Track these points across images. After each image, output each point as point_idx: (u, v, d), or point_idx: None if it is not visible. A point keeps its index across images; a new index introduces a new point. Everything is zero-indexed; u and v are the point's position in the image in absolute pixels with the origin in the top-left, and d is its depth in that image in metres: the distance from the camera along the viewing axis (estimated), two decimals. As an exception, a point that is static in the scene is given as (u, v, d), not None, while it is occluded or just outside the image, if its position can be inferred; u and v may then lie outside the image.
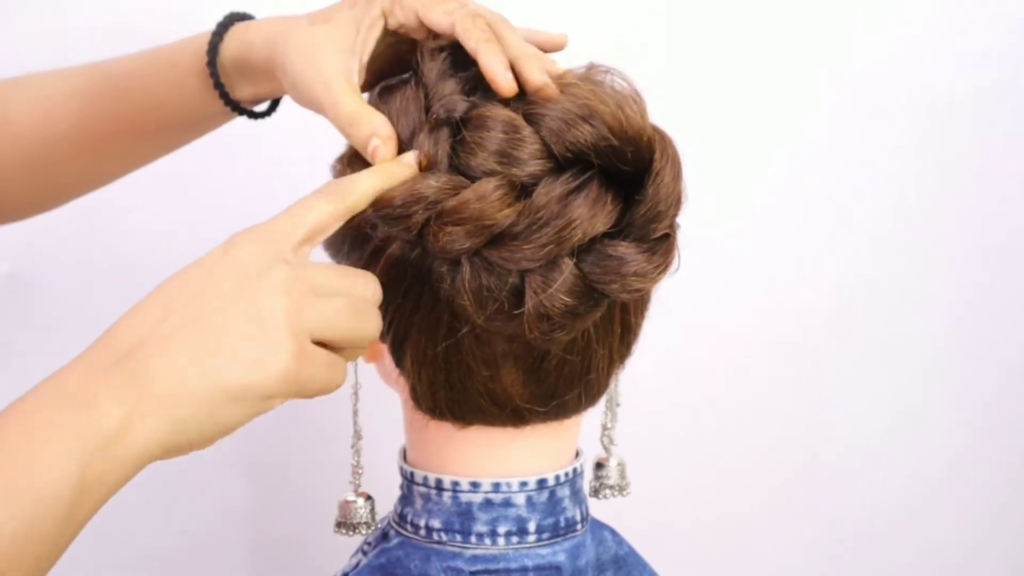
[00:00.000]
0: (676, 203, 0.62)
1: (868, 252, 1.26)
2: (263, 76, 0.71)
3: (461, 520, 0.67)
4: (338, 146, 0.68)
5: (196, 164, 0.91)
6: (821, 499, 1.30)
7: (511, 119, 0.60)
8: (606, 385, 0.68)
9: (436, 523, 0.68)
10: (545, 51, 0.66)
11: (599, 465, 0.77)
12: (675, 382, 1.22)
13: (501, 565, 0.67)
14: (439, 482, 0.68)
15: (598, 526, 0.74)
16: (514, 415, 0.66)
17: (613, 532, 0.75)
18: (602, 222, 0.60)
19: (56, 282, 1.06)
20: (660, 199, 0.60)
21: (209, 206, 1.07)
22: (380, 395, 0.73)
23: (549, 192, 0.59)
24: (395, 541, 0.69)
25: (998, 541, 1.38)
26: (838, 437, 1.30)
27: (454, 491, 0.67)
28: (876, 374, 1.29)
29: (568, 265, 0.59)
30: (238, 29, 0.72)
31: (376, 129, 0.62)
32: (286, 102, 0.74)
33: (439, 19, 0.65)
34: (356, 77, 0.65)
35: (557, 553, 0.68)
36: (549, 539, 0.68)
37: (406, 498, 0.70)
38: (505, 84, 0.61)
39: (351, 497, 0.70)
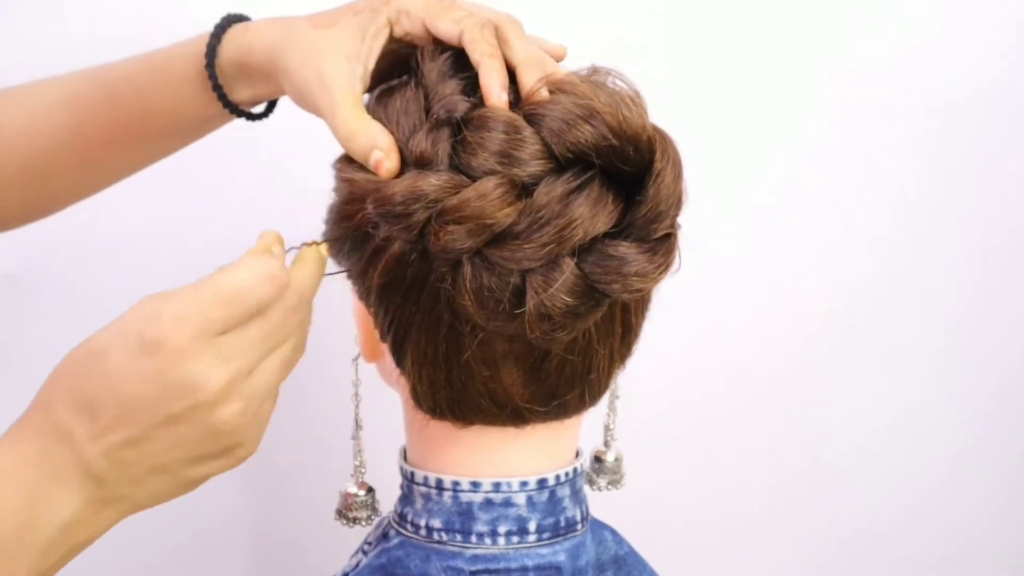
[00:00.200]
0: (677, 203, 0.62)
1: (868, 252, 1.27)
2: (262, 78, 0.70)
3: (461, 520, 0.67)
4: (337, 145, 0.68)
5: (196, 164, 0.91)
6: (821, 499, 1.30)
7: (512, 119, 0.60)
8: (607, 385, 0.68)
9: (436, 523, 0.68)
10: None
11: (597, 458, 0.77)
12: (675, 382, 1.22)
13: (501, 565, 0.67)
14: (439, 482, 0.68)
15: (598, 526, 0.74)
16: (514, 415, 0.66)
17: (613, 532, 0.75)
18: (603, 222, 0.60)
19: (56, 282, 1.06)
20: (661, 199, 0.60)
21: (208, 206, 1.07)
22: (380, 395, 0.73)
23: (550, 191, 0.59)
24: (395, 541, 0.69)
25: (998, 541, 1.38)
26: (838, 437, 1.30)
27: (454, 491, 0.67)
28: (876, 374, 1.29)
29: (569, 265, 0.59)
30: (236, 31, 0.71)
31: (376, 141, 0.62)
32: (283, 102, 0.74)
33: (447, 28, 0.64)
34: (360, 85, 0.65)
35: (557, 553, 0.68)
36: (549, 539, 0.68)
37: (406, 498, 0.70)
38: (498, 104, 0.61)
39: (352, 488, 0.70)
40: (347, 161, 0.64)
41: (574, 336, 0.63)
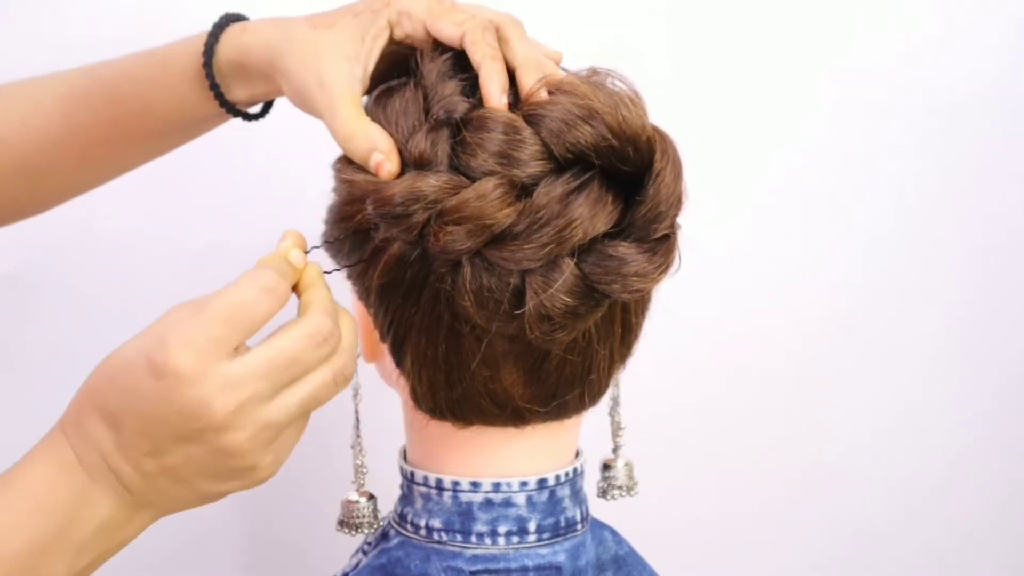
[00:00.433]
0: (677, 203, 0.62)
1: (868, 252, 1.26)
2: (259, 78, 0.70)
3: (461, 520, 0.67)
4: (335, 145, 0.67)
5: (195, 164, 0.91)
6: (821, 499, 1.30)
7: (511, 120, 0.60)
8: (607, 385, 0.68)
9: (436, 523, 0.68)
10: None
11: (606, 466, 0.77)
12: (675, 382, 1.22)
13: (501, 565, 0.67)
14: (439, 482, 0.68)
15: (598, 526, 0.74)
16: (514, 415, 0.66)
17: (613, 532, 0.75)
18: (603, 222, 0.60)
19: (56, 282, 1.06)
20: (661, 199, 0.60)
21: (207, 206, 1.07)
22: (380, 395, 0.73)
23: (550, 192, 0.59)
24: (395, 541, 0.69)
25: (998, 541, 1.38)
26: (838, 437, 1.30)
27: (454, 491, 0.67)
28: (876, 374, 1.29)
29: (569, 265, 0.59)
30: (234, 30, 0.71)
31: (375, 143, 0.62)
32: (280, 102, 0.74)
33: (448, 30, 0.64)
34: (359, 86, 0.65)
35: (557, 553, 0.68)
36: (549, 539, 0.68)
37: (406, 498, 0.70)
38: (497, 107, 0.61)
39: (354, 496, 0.70)
40: (347, 162, 0.64)
41: (574, 336, 0.63)
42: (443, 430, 0.67)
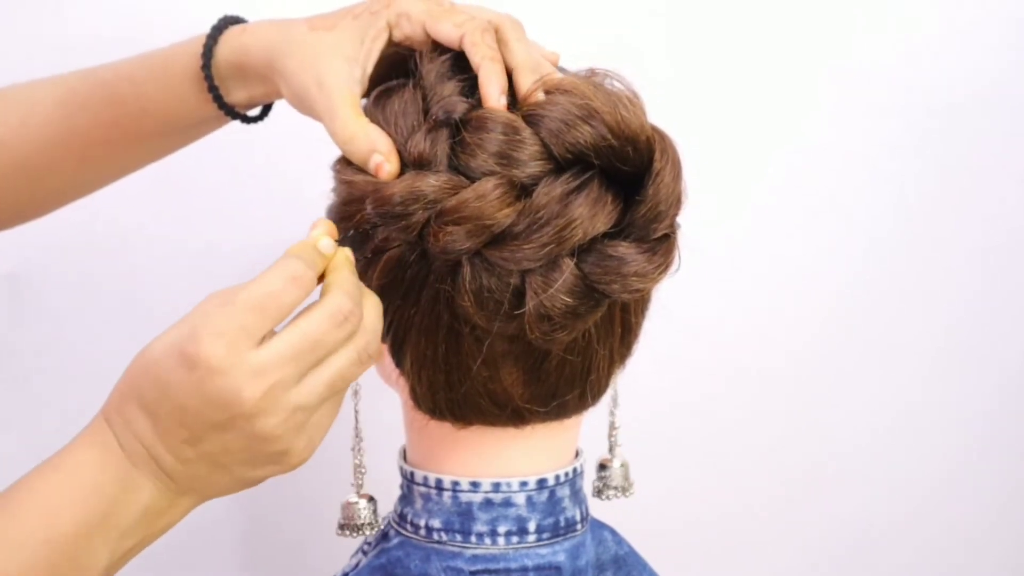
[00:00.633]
0: (676, 203, 0.62)
1: (868, 252, 1.26)
2: (258, 80, 0.70)
3: (461, 520, 0.67)
4: (334, 146, 0.67)
5: (195, 165, 0.91)
6: (821, 499, 1.30)
7: (511, 121, 0.60)
8: (607, 385, 0.68)
9: (436, 523, 0.68)
10: None
11: (602, 466, 0.77)
12: (675, 382, 1.22)
13: (501, 565, 0.67)
14: (439, 482, 0.68)
15: (598, 526, 0.74)
16: (514, 415, 0.66)
17: (613, 532, 0.75)
18: (602, 222, 0.60)
19: (56, 282, 1.06)
20: (660, 199, 0.60)
21: (207, 206, 1.07)
22: (380, 395, 0.73)
23: (549, 192, 0.59)
24: (395, 541, 0.69)
25: (999, 541, 1.38)
26: (838, 437, 1.30)
27: (454, 491, 0.67)
28: (876, 374, 1.29)
29: (568, 265, 0.59)
30: (233, 32, 0.71)
31: (375, 145, 0.62)
32: (279, 105, 0.73)
33: (448, 31, 0.64)
34: (358, 88, 0.65)
35: (557, 553, 0.68)
36: (549, 539, 0.68)
37: (406, 498, 0.70)
38: (496, 107, 0.61)
39: (353, 499, 0.70)
40: (346, 163, 0.64)
41: (574, 336, 0.63)
42: (443, 430, 0.67)
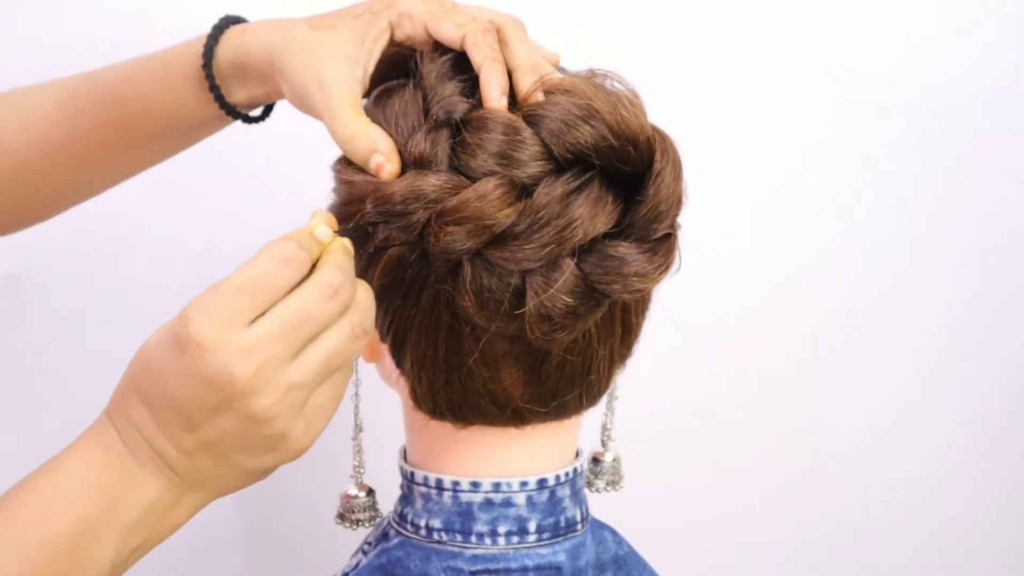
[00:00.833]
0: (677, 203, 0.62)
1: (868, 252, 1.26)
2: (259, 80, 0.70)
3: (461, 520, 0.67)
4: (334, 145, 0.67)
5: (195, 165, 0.91)
6: (821, 499, 1.30)
7: (511, 121, 0.60)
8: (607, 385, 0.68)
9: (436, 523, 0.68)
10: None
11: (595, 460, 0.77)
12: (675, 382, 1.22)
13: (501, 565, 0.67)
14: (439, 482, 0.68)
15: (598, 526, 0.74)
16: (514, 415, 0.66)
17: (613, 532, 0.75)
18: (603, 222, 0.60)
19: (56, 283, 1.06)
20: (661, 199, 0.60)
21: (208, 207, 1.07)
22: (380, 395, 0.73)
23: (550, 192, 0.59)
24: (395, 541, 0.69)
25: (999, 541, 1.38)
26: (838, 437, 1.30)
27: (454, 491, 0.67)
28: (876, 374, 1.29)
29: (569, 265, 0.59)
30: (234, 32, 0.71)
31: (376, 145, 0.62)
32: (280, 105, 0.73)
33: (449, 32, 0.64)
34: (359, 88, 0.65)
35: (557, 553, 0.68)
36: (549, 539, 0.68)
37: (406, 498, 0.70)
38: (497, 108, 0.61)
39: (353, 491, 0.70)
40: (346, 163, 0.64)
41: (574, 337, 0.63)
42: (443, 430, 0.67)
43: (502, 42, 0.64)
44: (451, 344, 0.63)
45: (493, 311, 0.61)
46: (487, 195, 0.58)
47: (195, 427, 0.56)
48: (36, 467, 0.58)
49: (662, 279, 0.62)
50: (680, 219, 0.63)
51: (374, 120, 0.63)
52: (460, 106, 0.61)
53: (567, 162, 0.60)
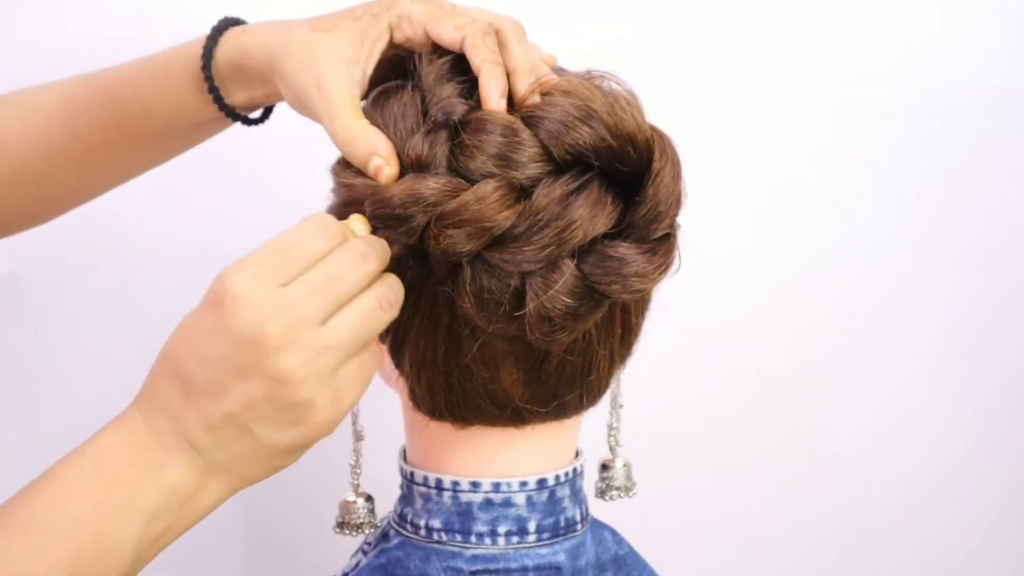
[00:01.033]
0: (676, 203, 0.62)
1: (869, 252, 1.26)
2: (258, 81, 0.70)
3: (461, 520, 0.67)
4: (333, 147, 0.67)
5: (196, 166, 0.91)
6: (821, 499, 1.30)
7: (510, 123, 0.60)
8: (607, 385, 0.68)
9: (436, 523, 0.68)
10: None
11: (604, 467, 0.77)
12: (675, 382, 1.22)
13: (501, 565, 0.67)
14: (439, 482, 0.68)
15: (598, 526, 0.74)
16: (514, 415, 0.66)
17: (613, 532, 0.75)
18: (602, 222, 0.60)
19: (56, 282, 1.06)
20: (660, 199, 0.60)
21: (208, 207, 1.07)
22: (380, 395, 0.73)
23: (549, 193, 0.59)
24: (395, 541, 0.69)
25: (999, 541, 1.38)
26: (838, 437, 1.30)
27: (454, 491, 0.67)
28: (876, 374, 1.29)
29: (569, 266, 0.59)
30: (233, 33, 0.71)
31: (375, 147, 0.62)
32: (280, 105, 0.73)
33: (449, 34, 0.64)
34: (358, 90, 0.65)
35: (557, 553, 0.68)
36: (549, 539, 0.68)
37: (406, 498, 0.70)
38: (496, 109, 0.61)
39: (351, 497, 0.70)
40: (345, 166, 0.64)
41: (574, 337, 0.63)
42: (443, 430, 0.67)
43: (501, 44, 0.64)
44: (450, 345, 0.63)
45: (493, 312, 0.61)
46: (486, 198, 0.58)
47: (222, 393, 0.56)
48: (35, 468, 0.59)
49: (662, 279, 0.62)
50: (681, 219, 0.63)
51: (372, 122, 0.63)
52: (459, 107, 0.61)
53: (566, 163, 0.60)
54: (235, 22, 0.72)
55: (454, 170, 0.60)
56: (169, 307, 1.05)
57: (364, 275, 0.58)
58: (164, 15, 1.01)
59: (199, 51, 0.71)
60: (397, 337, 0.65)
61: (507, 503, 0.67)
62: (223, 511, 1.15)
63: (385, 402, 0.74)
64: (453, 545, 0.67)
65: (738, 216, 1.21)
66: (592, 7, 1.13)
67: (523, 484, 0.67)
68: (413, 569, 0.68)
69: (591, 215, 0.59)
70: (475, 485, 0.67)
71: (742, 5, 1.18)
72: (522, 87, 0.62)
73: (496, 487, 0.67)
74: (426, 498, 0.68)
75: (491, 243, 0.59)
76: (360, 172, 0.62)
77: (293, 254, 0.56)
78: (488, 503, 0.67)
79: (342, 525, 0.70)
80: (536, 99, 0.61)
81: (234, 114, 0.73)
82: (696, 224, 0.65)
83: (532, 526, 0.68)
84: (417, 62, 0.65)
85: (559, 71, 0.67)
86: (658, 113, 0.63)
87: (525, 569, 0.67)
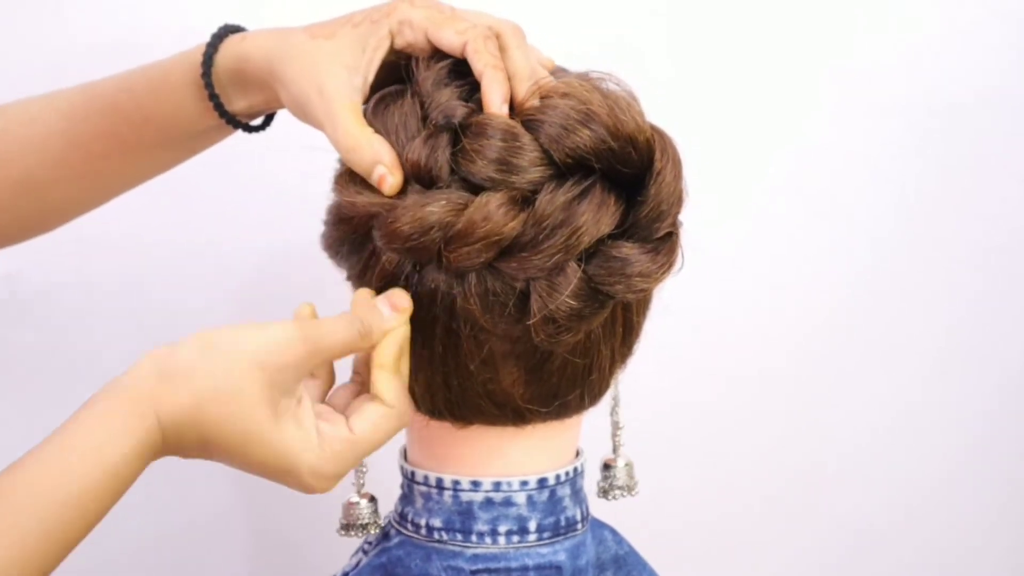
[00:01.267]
0: (678, 202, 0.62)
1: (869, 252, 1.26)
2: (258, 87, 0.70)
3: (462, 519, 0.67)
4: (332, 151, 0.67)
5: (196, 168, 0.91)
6: (821, 499, 1.30)
7: (510, 127, 0.60)
8: (608, 385, 0.68)
9: (437, 522, 0.68)
10: None
11: (607, 466, 0.77)
12: (676, 382, 1.22)
13: (502, 564, 0.67)
14: (440, 481, 0.68)
15: (598, 525, 0.74)
16: (515, 415, 0.66)
17: (613, 531, 0.75)
18: (607, 224, 0.60)
19: (56, 283, 1.06)
20: (662, 198, 0.60)
21: (207, 208, 1.07)
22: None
23: (553, 200, 0.59)
24: (396, 540, 0.69)
25: (998, 542, 1.38)
26: (838, 437, 1.30)
27: (455, 490, 0.67)
28: (876, 374, 1.29)
29: (575, 270, 0.60)
30: (233, 40, 0.71)
31: (379, 155, 0.62)
32: (280, 111, 0.73)
33: (450, 39, 0.64)
34: (359, 96, 0.65)
35: (558, 552, 0.68)
36: (550, 538, 0.68)
37: (407, 497, 0.70)
38: (496, 113, 0.61)
39: (354, 498, 0.70)
40: (347, 181, 0.64)
41: (579, 338, 0.63)
42: (443, 430, 0.67)
43: (501, 48, 0.64)
44: (449, 345, 0.63)
45: (498, 314, 0.61)
46: (491, 215, 0.58)
47: (240, 464, 0.59)
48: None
49: (665, 278, 0.62)
50: (681, 219, 0.63)
51: (373, 129, 0.63)
52: (459, 110, 0.61)
53: (567, 167, 0.60)
54: (235, 29, 0.72)
55: (456, 174, 0.60)
56: (169, 306, 1.06)
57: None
58: (164, 21, 1.01)
59: (199, 58, 0.71)
60: (396, 336, 0.65)
61: (508, 502, 0.67)
62: (224, 511, 1.15)
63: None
64: (454, 544, 0.67)
65: (738, 216, 1.21)
66: (592, 7, 1.13)
67: (524, 483, 0.67)
68: (414, 568, 0.68)
69: (595, 219, 0.59)
70: (476, 484, 0.67)
71: (742, 5, 1.18)
72: (522, 92, 0.62)
73: (497, 486, 0.67)
74: (427, 497, 0.68)
75: (501, 253, 0.59)
76: (364, 186, 0.62)
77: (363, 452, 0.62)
78: (489, 502, 0.67)
79: (347, 527, 0.70)
80: (535, 102, 0.61)
81: (235, 121, 0.73)
82: (696, 224, 0.65)
83: (533, 525, 0.68)
84: (415, 67, 0.65)
85: (559, 72, 0.67)
86: (658, 113, 0.63)
87: (525, 568, 0.67)
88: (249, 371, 0.57)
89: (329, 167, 0.68)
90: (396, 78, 0.66)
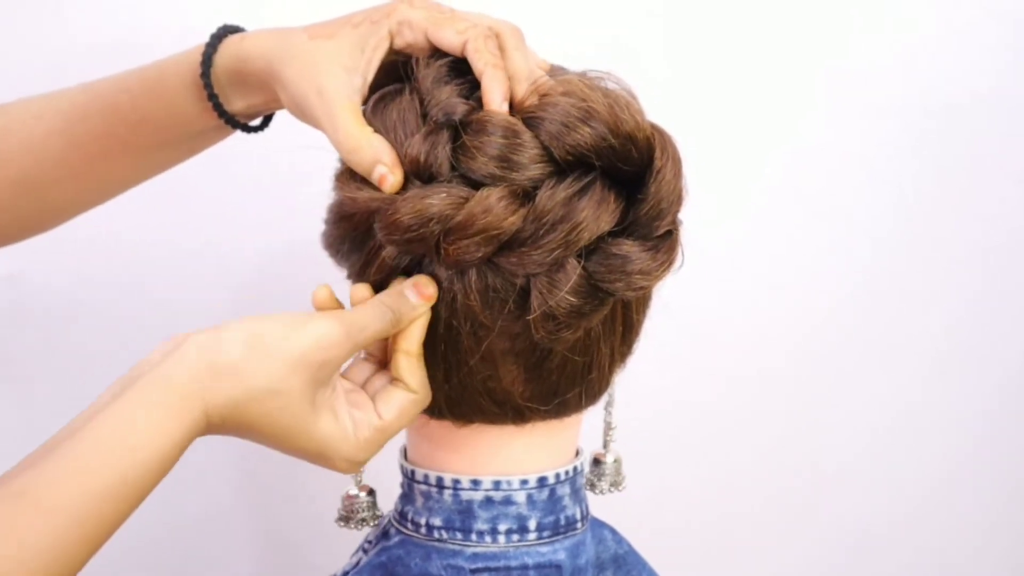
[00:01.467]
0: (678, 200, 0.62)
1: (867, 252, 1.27)
2: (257, 87, 0.70)
3: (462, 518, 0.67)
4: (331, 151, 0.67)
5: (195, 167, 0.91)
6: (821, 499, 1.30)
7: (511, 124, 0.60)
8: (608, 383, 0.68)
9: (437, 521, 0.68)
10: None
11: (596, 461, 0.77)
12: (676, 382, 1.22)
13: (502, 563, 0.67)
14: (440, 480, 0.68)
15: (598, 525, 0.74)
16: (514, 413, 0.66)
17: (613, 531, 0.75)
18: (607, 222, 0.60)
19: (56, 282, 1.06)
20: (662, 196, 0.60)
21: (207, 208, 1.07)
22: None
23: (553, 196, 0.59)
24: (396, 539, 0.69)
25: (998, 542, 1.38)
26: (838, 437, 1.30)
27: (455, 489, 0.67)
28: (876, 374, 1.29)
29: (575, 267, 0.60)
30: (232, 40, 0.71)
31: (379, 155, 0.62)
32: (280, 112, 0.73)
33: (451, 38, 0.64)
34: (359, 97, 0.65)
35: (557, 551, 0.68)
36: (549, 537, 0.68)
37: (407, 496, 0.70)
38: (496, 110, 0.61)
39: (353, 491, 0.70)
40: (347, 178, 0.64)
41: (578, 335, 0.63)
42: (443, 429, 0.68)
43: (500, 49, 0.64)
44: (449, 342, 0.63)
45: (498, 310, 0.61)
46: (491, 208, 0.58)
47: (275, 445, 0.62)
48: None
49: (665, 276, 0.62)
50: (680, 217, 0.63)
51: (373, 128, 0.63)
52: (459, 107, 0.61)
53: (567, 164, 0.60)
54: (234, 29, 0.72)
55: (456, 171, 0.61)
56: (168, 306, 1.06)
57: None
58: (164, 21, 1.01)
59: (198, 58, 0.71)
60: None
61: (507, 501, 0.67)
62: (225, 510, 1.15)
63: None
64: (454, 543, 0.67)
65: (735, 216, 1.21)
66: (588, 8, 1.14)
67: (523, 482, 0.67)
68: (414, 567, 0.68)
69: (595, 215, 0.59)
70: (475, 483, 0.67)
71: (738, 5, 1.18)
72: (521, 92, 0.62)
73: (496, 485, 0.67)
74: (427, 496, 0.68)
75: (500, 248, 0.60)
76: (364, 184, 0.62)
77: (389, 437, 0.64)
78: (488, 501, 0.67)
79: (345, 519, 0.70)
80: (535, 100, 0.61)
81: (234, 121, 0.73)
82: (694, 224, 0.65)
83: (532, 524, 0.68)
84: (414, 66, 0.65)
85: (557, 71, 0.67)
86: (654, 113, 0.63)
87: (525, 567, 0.67)
88: (295, 371, 0.59)
89: (328, 167, 0.68)
90: (395, 78, 0.66)
